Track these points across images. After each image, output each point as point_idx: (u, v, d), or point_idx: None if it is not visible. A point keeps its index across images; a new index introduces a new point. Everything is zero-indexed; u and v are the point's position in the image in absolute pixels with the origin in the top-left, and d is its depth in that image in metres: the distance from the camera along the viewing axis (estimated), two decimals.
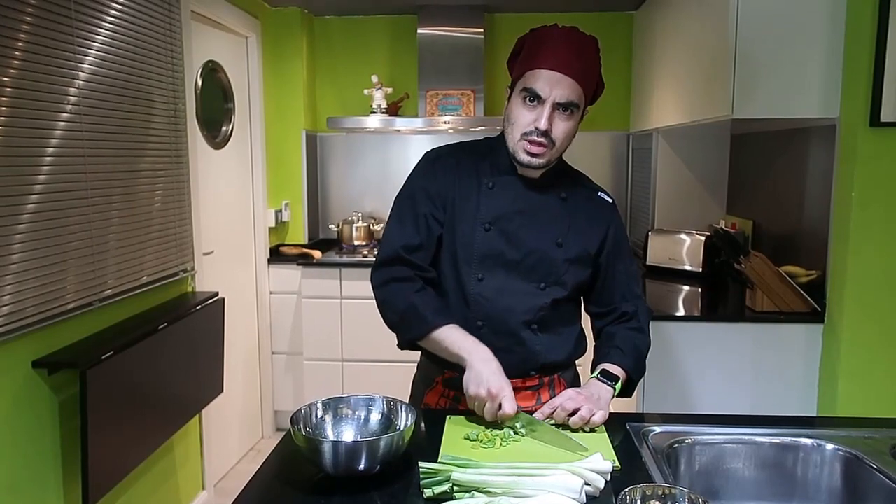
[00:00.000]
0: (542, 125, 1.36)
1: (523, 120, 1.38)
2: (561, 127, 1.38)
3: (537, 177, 1.46)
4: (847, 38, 2.22)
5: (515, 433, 1.30)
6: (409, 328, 1.42)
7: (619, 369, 1.44)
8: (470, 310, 1.45)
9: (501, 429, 1.31)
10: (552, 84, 1.34)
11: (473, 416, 1.38)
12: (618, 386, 1.43)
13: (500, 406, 1.28)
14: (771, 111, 2.31)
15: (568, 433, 1.28)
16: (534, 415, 1.34)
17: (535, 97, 1.36)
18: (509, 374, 1.34)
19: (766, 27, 2.26)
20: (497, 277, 1.45)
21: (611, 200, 1.55)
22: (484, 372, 1.30)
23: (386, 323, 1.48)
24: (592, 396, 1.37)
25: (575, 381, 1.56)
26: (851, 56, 2.20)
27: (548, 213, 1.46)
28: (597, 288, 1.54)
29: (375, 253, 4.05)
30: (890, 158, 2.15)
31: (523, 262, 1.44)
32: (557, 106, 1.36)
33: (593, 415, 1.32)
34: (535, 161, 1.40)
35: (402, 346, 1.48)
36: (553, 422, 1.33)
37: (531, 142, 1.38)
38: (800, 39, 2.25)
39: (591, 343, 1.58)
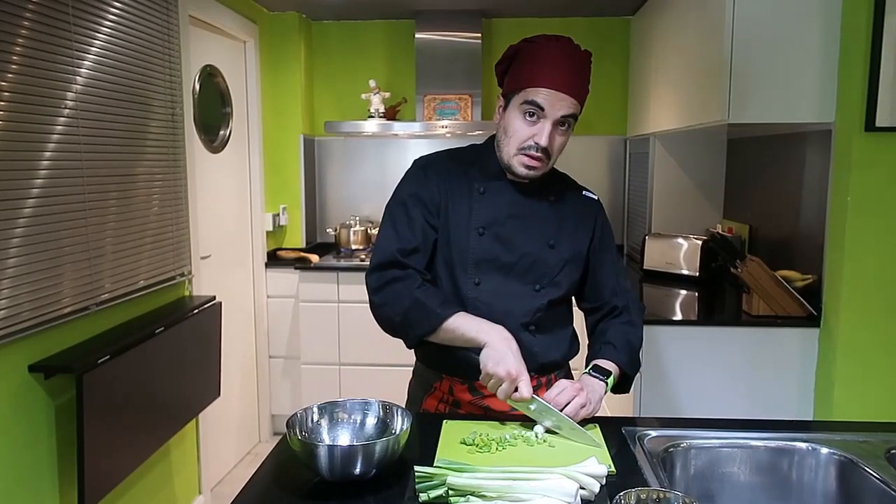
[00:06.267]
0: (543, 142, 1.39)
1: (522, 134, 1.40)
2: (558, 141, 1.42)
3: (527, 181, 1.48)
4: (842, 43, 2.23)
5: (536, 438, 1.30)
6: (416, 325, 1.39)
7: (612, 364, 1.46)
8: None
9: (502, 429, 1.31)
10: (554, 102, 1.37)
11: (469, 420, 1.38)
12: (610, 381, 1.44)
13: (515, 389, 1.28)
14: (767, 116, 2.32)
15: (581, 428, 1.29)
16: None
17: (535, 112, 1.38)
18: None
19: (761, 32, 2.27)
20: (493, 281, 1.46)
21: (595, 198, 1.59)
22: (505, 351, 1.30)
23: (384, 326, 1.45)
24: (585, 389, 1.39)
25: None
26: (846, 61, 2.21)
27: (539, 215, 1.48)
28: (587, 283, 1.57)
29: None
30: (885, 163, 2.16)
31: (518, 264, 1.46)
32: (557, 122, 1.38)
33: (583, 406, 1.33)
34: (532, 174, 1.43)
35: (410, 345, 1.46)
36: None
37: (530, 156, 1.40)
38: (795, 44, 2.27)
39: (583, 343, 1.60)
